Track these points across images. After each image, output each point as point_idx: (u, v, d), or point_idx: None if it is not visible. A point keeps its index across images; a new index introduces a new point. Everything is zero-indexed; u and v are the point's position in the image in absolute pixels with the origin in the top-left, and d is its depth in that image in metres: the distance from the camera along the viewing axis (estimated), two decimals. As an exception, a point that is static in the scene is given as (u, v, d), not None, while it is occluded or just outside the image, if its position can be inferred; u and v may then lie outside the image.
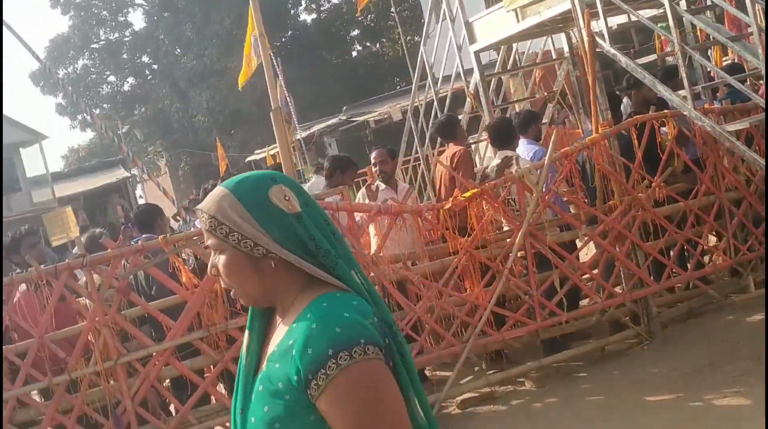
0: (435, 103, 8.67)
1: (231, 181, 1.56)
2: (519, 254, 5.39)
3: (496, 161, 5.92)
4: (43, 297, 4.63)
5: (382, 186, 6.00)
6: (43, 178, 21.49)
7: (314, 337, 1.42)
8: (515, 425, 4.85)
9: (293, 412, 1.45)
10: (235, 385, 1.60)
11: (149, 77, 33.92)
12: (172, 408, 5.06)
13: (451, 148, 6.16)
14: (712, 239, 6.49)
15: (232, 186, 1.54)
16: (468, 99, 8.32)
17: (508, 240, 5.42)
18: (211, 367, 5.02)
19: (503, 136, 6.05)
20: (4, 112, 20.85)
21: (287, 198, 1.51)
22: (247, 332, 1.62)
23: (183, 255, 5.01)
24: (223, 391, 5.23)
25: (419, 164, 9.25)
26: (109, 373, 4.67)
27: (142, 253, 4.78)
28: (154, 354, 4.74)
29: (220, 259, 1.54)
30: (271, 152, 17.16)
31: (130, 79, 34.53)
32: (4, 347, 4.57)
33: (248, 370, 1.58)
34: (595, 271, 5.71)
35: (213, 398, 5.06)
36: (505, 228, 5.69)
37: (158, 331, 4.94)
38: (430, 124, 8.93)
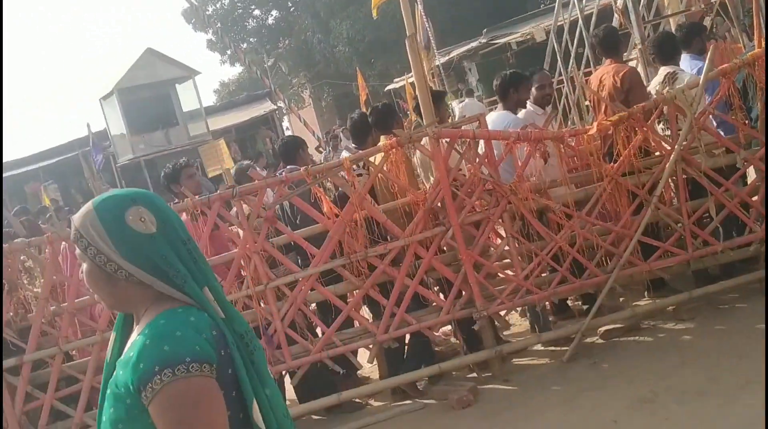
0: (580, 21, 8.21)
1: (98, 198, 1.72)
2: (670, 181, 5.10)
3: (659, 79, 5.55)
4: (199, 226, 4.94)
5: (540, 110, 5.74)
6: (197, 112, 22.64)
7: (145, 353, 1.59)
8: (661, 357, 4.69)
9: (133, 414, 1.61)
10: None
11: (291, 9, 34.50)
12: (318, 331, 5.30)
13: (611, 65, 5.79)
14: None
15: (97, 203, 1.70)
16: (616, 15, 7.80)
17: (658, 166, 5.12)
18: (354, 292, 5.19)
19: (666, 51, 5.66)
20: (160, 49, 22.05)
21: (143, 219, 1.67)
22: (113, 334, 1.80)
23: (327, 184, 5.15)
24: (366, 315, 5.42)
25: (563, 87, 8.87)
26: (260, 297, 4.95)
27: (285, 184, 4.96)
28: (300, 279, 4.95)
29: (83, 267, 1.72)
30: (410, 80, 17.05)
31: (274, 12, 35.26)
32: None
33: (107, 370, 1.74)
34: (755, 199, 5.29)
35: (356, 322, 5.24)
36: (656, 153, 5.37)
37: (304, 259, 5.16)
38: (575, 43, 8.52)
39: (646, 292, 5.57)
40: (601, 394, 4.40)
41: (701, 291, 5.26)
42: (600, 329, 5.27)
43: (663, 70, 5.63)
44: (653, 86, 5.73)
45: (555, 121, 6.72)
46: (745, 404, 3.78)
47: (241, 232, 5.02)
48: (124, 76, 21.38)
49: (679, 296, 5.25)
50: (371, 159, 5.11)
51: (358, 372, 5.68)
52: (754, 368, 4.14)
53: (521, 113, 5.68)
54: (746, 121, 5.22)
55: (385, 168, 5.01)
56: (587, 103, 9.32)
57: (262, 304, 4.99)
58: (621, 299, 5.68)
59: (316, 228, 5.00)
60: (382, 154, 4.97)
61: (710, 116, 5.22)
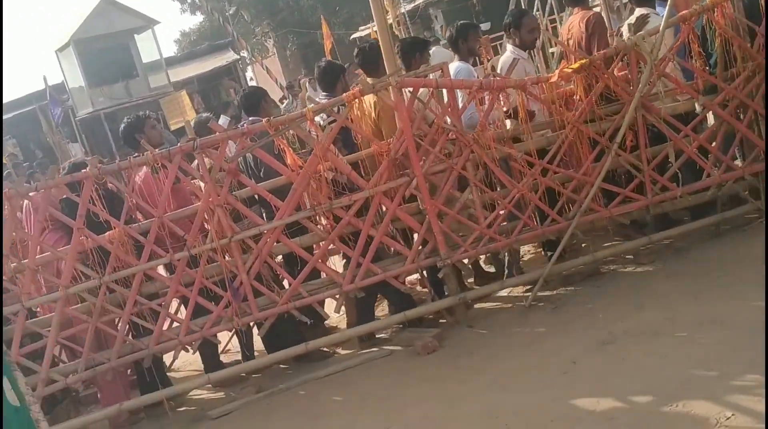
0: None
1: None
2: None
3: (631, 20, 5.56)
4: (160, 179, 4.89)
5: (524, 54, 5.65)
6: (158, 63, 22.08)
7: None
8: (620, 300, 4.81)
9: None
10: None
11: (253, -45, 33.59)
12: (285, 283, 5.34)
13: (578, 13, 5.81)
14: None
15: None
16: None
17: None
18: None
19: None
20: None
21: None
22: None
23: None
24: (334, 266, 5.46)
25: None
26: (224, 250, 4.95)
27: (247, 136, 4.91)
28: (265, 232, 4.95)
29: None
30: (375, 28, 16.85)
31: (236, -42, 34.29)
32: (129, 226, 4.91)
33: None
34: (713, 144, 5.38)
35: (323, 273, 5.28)
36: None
37: (268, 211, 5.15)
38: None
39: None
40: (562, 337, 4.52)
41: (660, 235, 5.38)
42: (561, 274, 5.37)
43: (638, 11, 5.61)
44: (625, 27, 5.73)
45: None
46: (699, 343, 3.91)
47: (203, 185, 4.99)
48: (81, 26, 20.70)
49: (638, 241, 5.38)
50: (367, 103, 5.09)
51: (326, 322, 5.75)
52: (707, 309, 4.29)
53: (506, 56, 5.63)
54: (705, 68, 5.28)
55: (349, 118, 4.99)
56: (552, 50, 9.34)
57: (227, 258, 5.00)
58: (583, 245, 5.79)
59: (279, 180, 4.99)
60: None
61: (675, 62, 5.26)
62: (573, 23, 5.88)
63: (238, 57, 23.58)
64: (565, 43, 5.81)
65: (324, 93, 5.68)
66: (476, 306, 5.45)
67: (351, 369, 4.99)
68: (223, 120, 8.88)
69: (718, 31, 5.13)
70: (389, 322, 5.31)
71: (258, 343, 5.55)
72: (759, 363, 3.47)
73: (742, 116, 5.32)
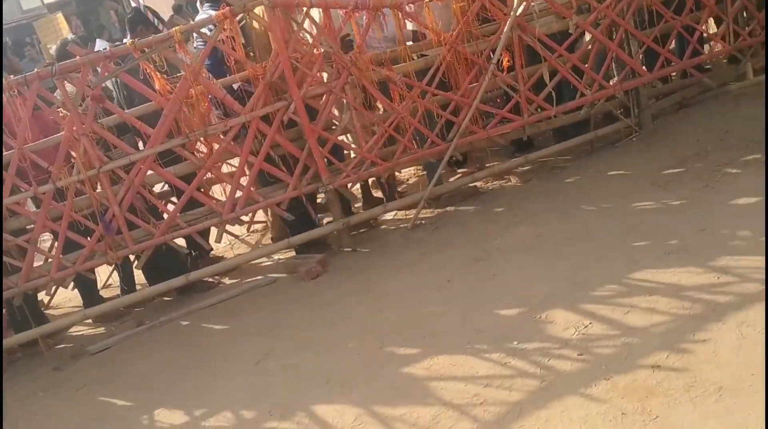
0: None
1: None
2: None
3: None
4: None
5: None
6: (30, -17, 20.53)
7: None
8: (496, 219, 4.95)
9: None
10: None
11: None
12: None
13: None
14: (712, 26, 6.18)
15: None
16: None
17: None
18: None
19: None
20: None
21: None
22: None
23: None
24: (217, 195, 5.33)
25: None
26: (93, 182, 4.72)
27: (111, 60, 4.63)
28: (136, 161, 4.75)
29: None
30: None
31: None
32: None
33: None
34: (586, 64, 5.49)
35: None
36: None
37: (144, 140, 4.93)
38: None
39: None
40: (440, 256, 4.62)
41: (536, 154, 5.53)
42: (441, 196, 5.46)
43: None
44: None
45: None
46: (567, 257, 4.08)
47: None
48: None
49: (514, 160, 5.50)
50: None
51: (211, 252, 5.66)
52: (576, 224, 4.47)
53: None
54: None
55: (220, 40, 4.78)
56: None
57: (98, 190, 4.78)
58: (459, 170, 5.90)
59: (148, 106, 4.76)
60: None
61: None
62: None
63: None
64: None
65: (208, 3, 5.37)
66: (363, 230, 5.48)
67: (235, 298, 4.95)
68: (100, 44, 8.35)
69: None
70: (270, 250, 5.27)
71: (141, 277, 5.41)
72: (618, 274, 3.67)
73: (614, 35, 5.44)
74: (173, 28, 4.71)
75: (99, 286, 5.48)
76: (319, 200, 5.64)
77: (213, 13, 4.81)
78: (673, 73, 5.91)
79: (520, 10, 5.09)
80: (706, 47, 6.10)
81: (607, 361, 2.98)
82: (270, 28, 4.78)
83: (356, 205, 5.76)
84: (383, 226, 5.48)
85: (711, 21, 6.12)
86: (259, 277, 5.18)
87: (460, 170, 5.99)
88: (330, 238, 5.35)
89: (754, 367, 2.64)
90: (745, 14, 5.88)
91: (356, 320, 4.07)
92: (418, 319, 3.83)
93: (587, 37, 5.56)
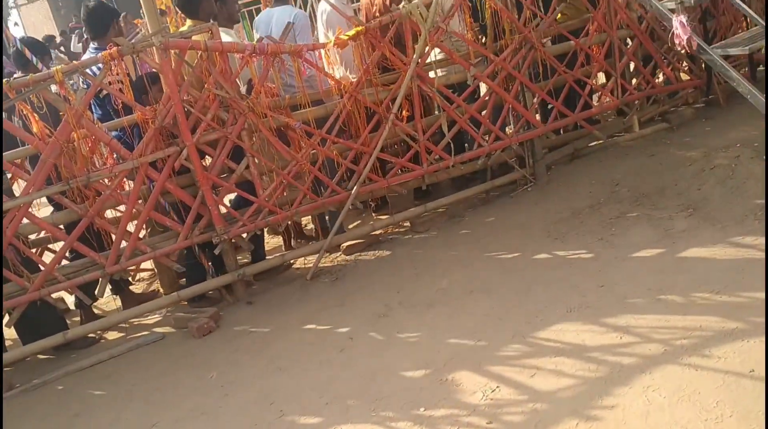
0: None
1: None
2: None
3: None
4: None
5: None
6: None
7: None
8: (397, 270, 4.85)
9: None
10: None
11: None
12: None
13: None
14: (601, 79, 6.43)
15: None
16: None
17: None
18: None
19: None
20: None
21: None
22: None
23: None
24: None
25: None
26: (-41, 232, 4.28)
27: (-19, 99, 4.23)
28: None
29: None
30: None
31: None
32: None
33: None
34: (484, 113, 5.54)
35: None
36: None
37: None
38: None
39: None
40: (341, 310, 4.46)
41: (434, 204, 5.50)
42: (342, 245, 5.32)
43: None
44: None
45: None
46: (469, 313, 4.02)
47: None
48: None
49: (414, 210, 5.45)
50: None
51: (93, 303, 5.25)
52: (477, 277, 4.44)
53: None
54: (478, 38, 5.41)
55: (107, 82, 4.49)
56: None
57: (-36, 240, 4.33)
58: (363, 215, 5.79)
59: (23, 150, 4.38)
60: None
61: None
62: None
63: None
64: (370, 7, 5.66)
65: (93, 43, 5.05)
66: (257, 282, 5.24)
67: (118, 357, 4.58)
68: None
69: (488, 3, 5.25)
70: (159, 303, 4.94)
71: (12, 333, 4.93)
72: (522, 332, 3.63)
73: (510, 87, 5.53)
74: (53, 68, 4.38)
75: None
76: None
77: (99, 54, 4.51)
78: (565, 125, 6.06)
79: (419, 60, 5.08)
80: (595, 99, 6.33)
81: (517, 429, 2.90)
82: (161, 71, 4.53)
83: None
84: (281, 278, 5.27)
85: (601, 75, 6.36)
86: (144, 333, 4.83)
87: (378, 215, 5.85)
88: (221, 290, 5.08)
89: (662, 436, 2.63)
90: (631, 69, 6.14)
91: (251, 385, 3.83)
92: (319, 383, 3.64)
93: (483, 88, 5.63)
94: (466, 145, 5.74)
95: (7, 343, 4.96)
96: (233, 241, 4.93)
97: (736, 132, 5.53)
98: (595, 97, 6.36)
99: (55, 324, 4.74)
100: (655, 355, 3.14)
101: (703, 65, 6.22)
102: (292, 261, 5.34)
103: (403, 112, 5.20)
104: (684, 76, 6.47)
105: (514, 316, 3.83)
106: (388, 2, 5.51)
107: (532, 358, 3.38)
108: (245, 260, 5.34)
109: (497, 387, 3.22)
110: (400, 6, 5.04)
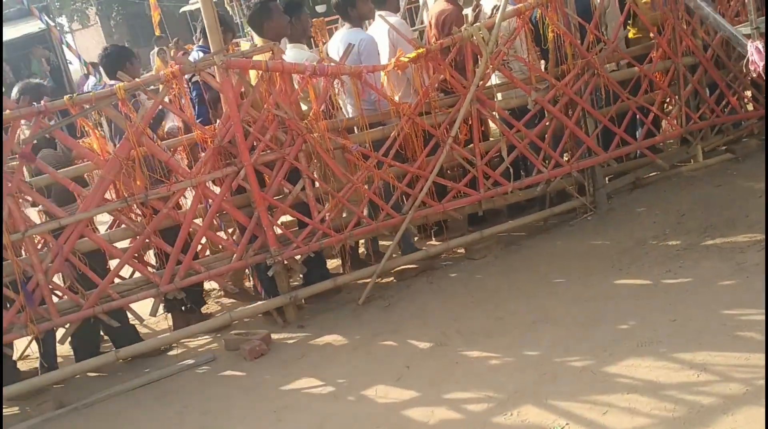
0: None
1: None
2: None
3: (488, 7, 5.41)
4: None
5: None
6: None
7: None
8: (452, 297, 4.72)
9: None
10: None
11: None
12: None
13: (440, 4, 5.60)
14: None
15: None
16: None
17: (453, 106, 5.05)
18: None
19: None
20: None
21: None
22: None
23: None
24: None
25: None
26: (18, 246, 4.28)
27: (45, 115, 4.25)
28: (67, 226, 4.34)
29: None
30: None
31: None
32: None
33: None
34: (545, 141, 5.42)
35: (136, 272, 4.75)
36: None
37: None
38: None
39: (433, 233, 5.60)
40: (395, 337, 4.34)
41: (491, 230, 5.36)
42: (394, 270, 5.21)
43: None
44: (483, 15, 5.59)
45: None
46: (532, 343, 3.87)
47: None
48: None
49: (470, 236, 5.32)
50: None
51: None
52: (537, 307, 4.28)
53: (392, 20, 5.28)
54: (539, 63, 5.31)
55: (167, 99, 4.49)
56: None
57: (23, 255, 4.34)
58: (416, 238, 5.67)
59: (84, 167, 4.39)
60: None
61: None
62: (432, 13, 5.68)
63: (49, 24, 21.55)
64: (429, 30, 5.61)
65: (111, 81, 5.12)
66: (308, 306, 5.15)
67: (168, 378, 4.51)
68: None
69: (551, 27, 5.15)
70: (213, 324, 4.88)
71: (66, 348, 4.91)
72: (590, 367, 3.46)
73: (571, 113, 5.40)
74: (115, 85, 4.40)
75: (15, 357, 4.94)
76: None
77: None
78: (627, 153, 5.88)
79: (479, 83, 4.99)
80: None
81: (592, 470, 2.73)
82: (222, 90, 4.52)
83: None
84: (332, 302, 5.17)
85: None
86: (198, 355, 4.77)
87: (436, 239, 5.72)
88: (273, 313, 5.00)
89: (753, 484, 2.44)
90: (696, 98, 5.96)
91: (305, 410, 3.72)
92: (377, 412, 3.52)
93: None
94: (522, 172, 5.63)
95: (59, 360, 4.94)
96: (286, 263, 4.86)
97: (809, 163, 5.29)
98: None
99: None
100: (736, 395, 2.94)
101: (769, 94, 6.01)
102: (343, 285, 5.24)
103: (461, 135, 5.10)
104: (749, 107, 6.25)
105: (581, 349, 3.66)
106: (440, 25, 5.43)
107: (603, 395, 3.20)
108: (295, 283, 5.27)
109: (566, 424, 3.06)
110: (462, 29, 4.97)
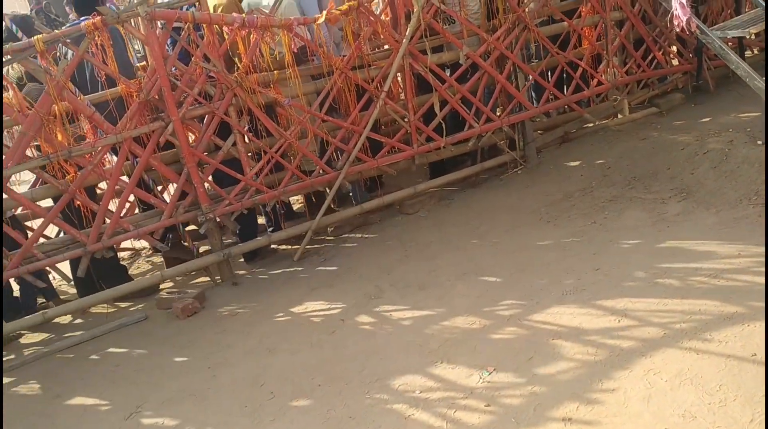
0: None
1: None
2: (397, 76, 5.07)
3: None
4: None
5: None
6: None
7: None
8: (387, 251, 4.77)
9: None
10: None
11: None
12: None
13: None
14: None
15: None
16: None
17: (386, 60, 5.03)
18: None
19: None
20: None
21: None
22: None
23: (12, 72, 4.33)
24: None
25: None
26: (-67, 207, 4.11)
27: (-43, 69, 4.05)
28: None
29: None
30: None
31: None
32: None
33: None
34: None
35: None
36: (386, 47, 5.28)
37: None
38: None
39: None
40: (330, 292, 4.37)
41: (424, 185, 5.41)
42: (330, 227, 5.22)
43: None
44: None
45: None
46: (462, 294, 3.95)
47: None
48: None
49: (403, 191, 5.36)
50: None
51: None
52: (468, 260, 4.36)
53: None
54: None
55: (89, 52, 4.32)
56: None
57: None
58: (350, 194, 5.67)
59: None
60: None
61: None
62: None
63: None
64: None
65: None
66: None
67: (100, 337, 4.45)
68: None
69: (482, -18, 5.15)
70: (135, 285, 4.80)
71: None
72: (517, 315, 3.57)
73: (502, 68, 5.44)
74: (34, 37, 4.20)
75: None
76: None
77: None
78: (556, 108, 5.99)
79: (411, 37, 4.97)
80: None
81: (516, 412, 2.83)
82: (147, 42, 4.38)
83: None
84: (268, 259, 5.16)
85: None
86: (126, 315, 4.71)
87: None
88: (206, 270, 4.97)
89: (666, 420, 2.57)
90: (623, 53, 6.08)
91: (241, 366, 3.73)
92: (311, 364, 3.55)
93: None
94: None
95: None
96: (218, 220, 4.81)
97: (728, 117, 5.50)
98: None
99: (31, 303, 4.61)
100: (654, 339, 3.08)
101: (693, 50, 6.18)
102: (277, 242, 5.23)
103: (394, 90, 5.09)
104: (674, 62, 6.43)
105: (509, 298, 3.76)
106: None
107: (529, 341, 3.31)
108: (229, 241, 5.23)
109: (493, 369, 3.15)
110: (393, -18, 4.92)
